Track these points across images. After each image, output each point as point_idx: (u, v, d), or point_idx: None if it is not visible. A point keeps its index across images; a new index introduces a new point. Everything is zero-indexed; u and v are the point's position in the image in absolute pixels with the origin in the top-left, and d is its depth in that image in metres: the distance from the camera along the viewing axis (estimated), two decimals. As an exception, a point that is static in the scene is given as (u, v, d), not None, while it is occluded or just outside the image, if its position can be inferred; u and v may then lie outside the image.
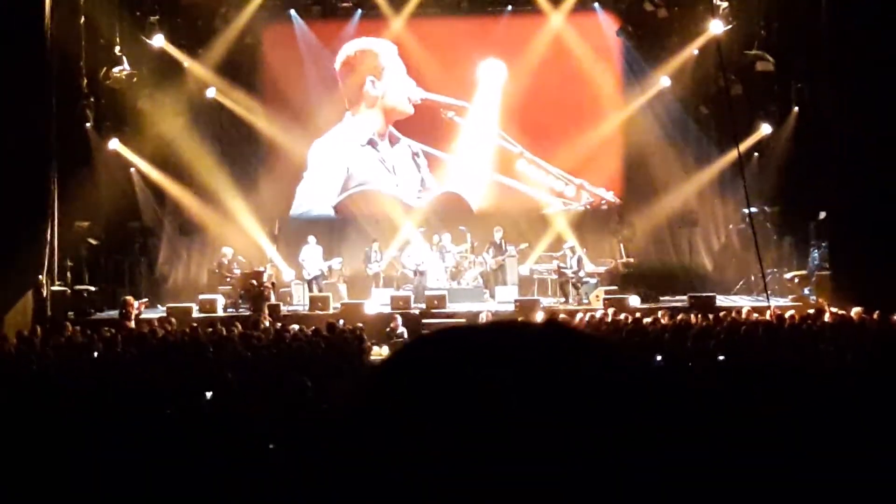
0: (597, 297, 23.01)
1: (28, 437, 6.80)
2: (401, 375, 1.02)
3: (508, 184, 26.87)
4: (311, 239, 24.70)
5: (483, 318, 20.07)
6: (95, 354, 14.71)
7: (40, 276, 21.54)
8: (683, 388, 1.07)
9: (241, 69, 26.54)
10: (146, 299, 22.64)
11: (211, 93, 26.10)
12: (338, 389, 10.20)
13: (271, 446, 7.22)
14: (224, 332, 16.59)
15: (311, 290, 24.02)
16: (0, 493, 5.76)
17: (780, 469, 5.01)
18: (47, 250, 21.79)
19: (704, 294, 22.92)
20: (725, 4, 24.78)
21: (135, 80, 24.94)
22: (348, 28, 27.15)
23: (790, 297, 23.10)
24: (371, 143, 27.02)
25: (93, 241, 24.48)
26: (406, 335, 19.61)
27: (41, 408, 8.05)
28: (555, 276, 24.43)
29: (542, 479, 0.91)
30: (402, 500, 0.92)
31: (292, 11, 27.03)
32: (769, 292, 21.45)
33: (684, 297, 22.87)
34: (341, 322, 18.47)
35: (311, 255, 24.46)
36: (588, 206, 26.67)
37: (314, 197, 27.10)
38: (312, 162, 27.04)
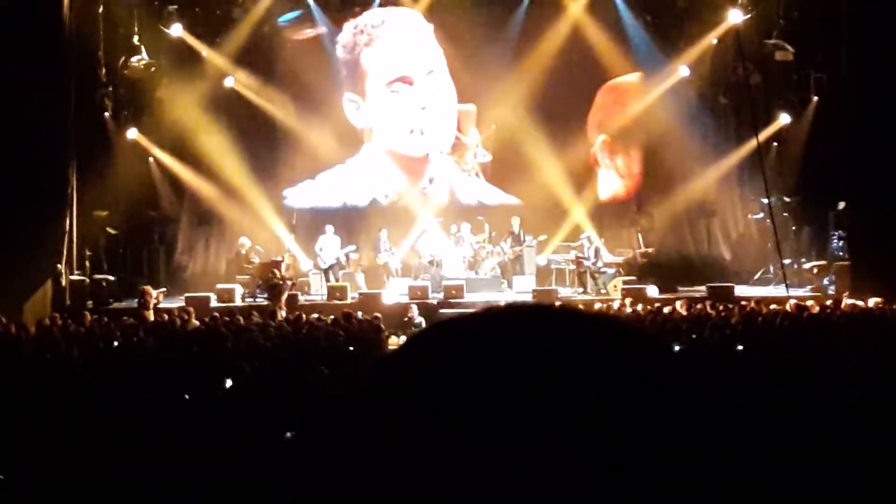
0: (615, 287, 22.99)
1: (47, 426, 6.83)
2: (407, 367, 0.99)
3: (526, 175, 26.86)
4: (329, 228, 24.67)
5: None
6: (115, 343, 14.75)
7: (59, 266, 21.64)
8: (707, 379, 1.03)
9: (259, 58, 26.53)
10: (164, 289, 22.67)
11: (229, 82, 26.12)
12: (354, 379, 10.21)
13: (288, 435, 7.24)
14: (242, 322, 16.62)
15: (327, 279, 24.03)
16: (18, 481, 5.79)
17: (799, 462, 5.00)
18: (66, 240, 21.90)
19: (723, 284, 22.87)
20: (745, -7, 24.74)
21: (153, 69, 25.03)
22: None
23: (808, 287, 23.03)
24: None
25: (111, 231, 24.58)
26: (423, 325, 19.65)
27: (60, 396, 8.07)
28: (573, 266, 24.40)
29: (542, 477, 0.88)
30: (404, 492, 0.90)
31: (310, 0, 26.99)
32: (788, 282, 21.41)
33: (702, 288, 22.84)
34: (359, 313, 18.48)
35: (328, 244, 24.46)
36: None
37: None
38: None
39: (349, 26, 26.76)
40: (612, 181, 27.11)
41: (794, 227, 25.19)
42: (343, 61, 26.88)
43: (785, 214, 24.88)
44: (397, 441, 0.92)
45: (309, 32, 26.93)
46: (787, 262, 22.76)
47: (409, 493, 0.89)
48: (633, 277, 23.45)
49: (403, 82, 26.70)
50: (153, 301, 20.32)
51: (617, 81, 26.79)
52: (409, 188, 26.71)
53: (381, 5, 26.92)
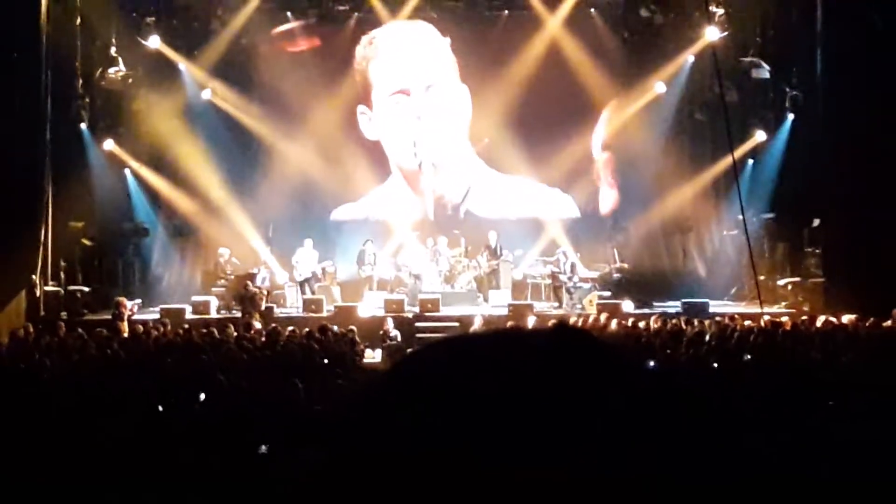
0: (590, 301, 22.99)
1: (20, 437, 6.79)
2: (401, 385, 0.99)
3: (502, 189, 26.94)
4: (308, 242, 24.57)
5: (477, 323, 20.07)
6: (89, 355, 14.67)
7: (34, 277, 21.55)
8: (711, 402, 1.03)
9: (236, 71, 26.49)
10: (139, 300, 22.58)
11: (206, 94, 26.07)
12: (336, 393, 10.19)
13: (263, 448, 7.22)
14: (217, 334, 16.57)
15: (303, 292, 23.97)
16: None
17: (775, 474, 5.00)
18: (41, 250, 21.81)
19: (698, 300, 22.92)
20: (721, 11, 24.84)
21: (130, 80, 24.93)
22: (345, 31, 27.09)
23: (783, 303, 23.11)
24: None
25: (87, 242, 24.44)
26: (399, 338, 19.62)
27: (33, 408, 8.03)
28: (549, 281, 24.41)
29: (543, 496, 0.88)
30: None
31: (289, 14, 26.95)
32: (762, 299, 21.49)
33: (677, 303, 22.87)
34: (335, 326, 18.43)
35: (305, 257, 24.39)
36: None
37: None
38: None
39: (365, 39, 26.93)
40: (611, 196, 27.18)
41: (768, 244, 25.27)
42: (357, 72, 26.98)
43: (760, 231, 24.95)
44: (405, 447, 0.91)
45: (303, 44, 26.95)
46: (761, 278, 22.83)
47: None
48: (609, 292, 23.48)
49: (402, 94, 26.80)
50: (128, 312, 20.24)
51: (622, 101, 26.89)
52: (416, 200, 26.83)
53: (357, 21, 26.94)
